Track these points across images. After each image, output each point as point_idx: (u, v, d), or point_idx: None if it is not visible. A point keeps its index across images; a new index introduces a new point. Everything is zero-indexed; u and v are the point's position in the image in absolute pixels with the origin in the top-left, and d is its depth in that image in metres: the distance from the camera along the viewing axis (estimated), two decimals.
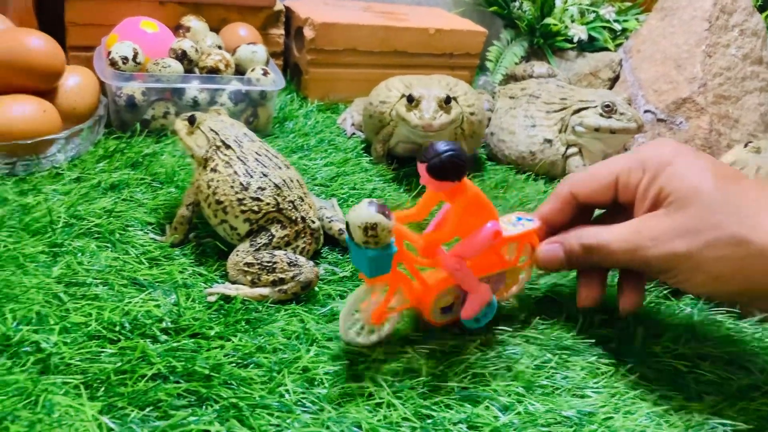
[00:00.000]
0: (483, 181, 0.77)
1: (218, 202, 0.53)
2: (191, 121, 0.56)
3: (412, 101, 0.69)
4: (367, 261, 0.42)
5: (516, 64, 1.02)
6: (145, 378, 0.41)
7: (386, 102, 0.74)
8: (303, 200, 0.55)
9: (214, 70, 0.74)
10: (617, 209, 0.50)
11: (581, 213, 0.51)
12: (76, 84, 0.68)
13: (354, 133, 0.84)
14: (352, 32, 0.90)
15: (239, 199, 0.52)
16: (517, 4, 1.06)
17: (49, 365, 0.41)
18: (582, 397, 0.45)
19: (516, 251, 0.51)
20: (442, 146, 0.40)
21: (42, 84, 0.64)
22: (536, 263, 0.51)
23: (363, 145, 0.81)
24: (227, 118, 0.58)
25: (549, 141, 0.80)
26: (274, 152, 0.57)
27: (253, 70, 0.77)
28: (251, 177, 0.53)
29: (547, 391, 0.45)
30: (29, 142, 0.60)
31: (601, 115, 0.77)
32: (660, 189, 0.45)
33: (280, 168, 0.55)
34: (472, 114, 0.75)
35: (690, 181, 0.44)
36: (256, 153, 0.55)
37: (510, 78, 0.99)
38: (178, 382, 0.41)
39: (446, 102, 0.69)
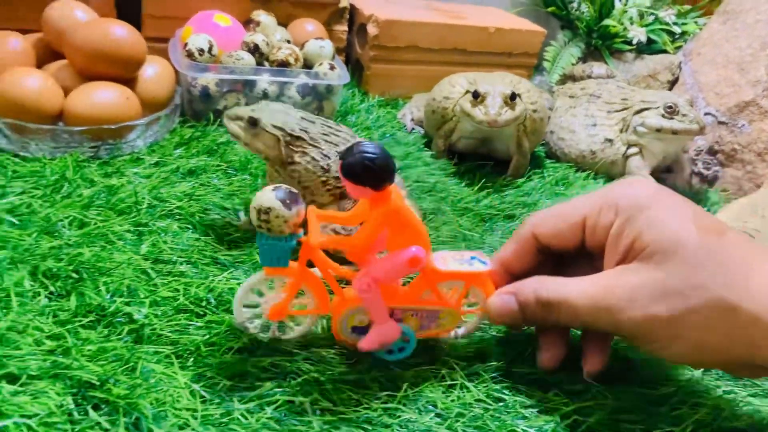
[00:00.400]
0: (543, 178, 0.78)
1: (304, 188, 0.55)
2: (252, 123, 0.53)
3: (477, 97, 0.70)
4: (259, 247, 0.40)
5: (573, 64, 1.02)
6: (232, 350, 0.43)
7: (449, 98, 0.76)
8: None
9: (284, 64, 0.77)
10: (586, 256, 0.44)
11: (547, 258, 0.45)
12: (155, 73, 0.71)
13: (414, 129, 0.86)
14: (414, 29, 0.92)
15: (323, 182, 0.54)
16: (575, 5, 1.07)
17: (142, 335, 0.44)
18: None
19: (460, 293, 0.45)
20: (362, 146, 0.37)
21: (125, 72, 0.67)
22: (487, 315, 0.45)
23: (424, 140, 0.83)
24: (276, 105, 0.56)
25: (610, 140, 0.80)
26: (335, 125, 0.57)
27: (320, 65, 0.79)
28: (329, 159, 0.55)
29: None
30: (113, 127, 0.63)
31: (663, 115, 0.78)
32: (635, 237, 0.39)
33: (347, 140, 0.56)
34: (534, 111, 0.76)
35: (671, 231, 0.38)
36: (322, 134, 0.55)
37: (567, 78, 0.99)
38: (263, 356, 0.43)
39: (511, 98, 0.70)
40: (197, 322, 0.46)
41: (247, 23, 0.84)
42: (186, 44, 0.73)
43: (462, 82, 0.76)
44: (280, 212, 0.38)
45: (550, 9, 1.10)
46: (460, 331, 0.47)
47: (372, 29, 0.91)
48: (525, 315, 0.42)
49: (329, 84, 0.78)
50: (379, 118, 0.87)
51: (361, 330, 0.44)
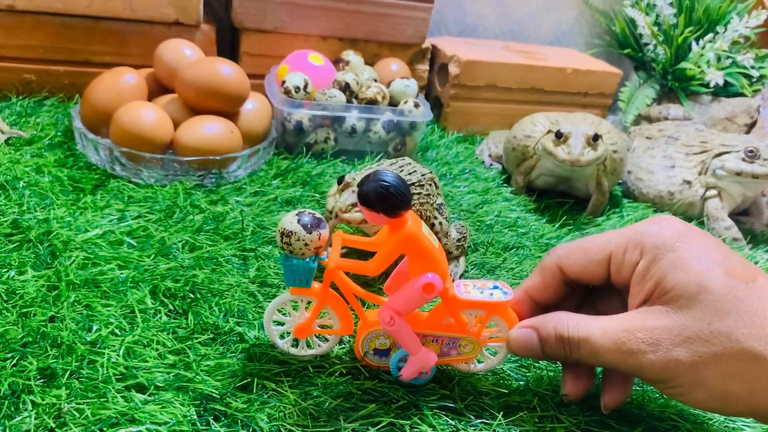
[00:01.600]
0: (622, 217, 0.79)
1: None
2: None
3: (560, 137, 0.73)
4: (283, 267, 0.43)
5: (648, 105, 1.04)
6: (335, 374, 0.46)
7: (531, 136, 0.78)
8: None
9: (372, 101, 0.81)
10: (615, 289, 0.43)
11: (575, 289, 0.45)
12: (254, 108, 0.76)
13: (492, 164, 0.89)
14: (494, 70, 0.95)
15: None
16: (651, 47, 1.08)
17: (254, 354, 0.47)
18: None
19: (482, 322, 0.45)
20: (378, 175, 0.39)
21: (230, 107, 0.72)
22: (508, 347, 0.44)
23: (503, 176, 0.85)
24: (365, 172, 0.57)
25: (688, 182, 0.81)
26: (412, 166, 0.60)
27: (405, 102, 0.82)
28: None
29: (698, 420, 0.47)
30: (218, 158, 0.68)
31: (743, 159, 0.78)
32: (659, 279, 0.38)
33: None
34: (615, 152, 0.77)
35: (696, 275, 0.37)
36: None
37: (641, 118, 1.01)
38: (365, 380, 0.46)
39: (594, 139, 0.72)
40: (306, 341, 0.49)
41: (337, 62, 0.88)
42: (284, 82, 0.78)
43: (543, 122, 0.79)
44: (301, 236, 0.41)
45: (626, 51, 1.12)
46: (480, 366, 0.47)
47: (453, 69, 0.94)
48: (545, 350, 0.42)
49: (413, 121, 0.82)
50: (458, 154, 0.90)
51: (383, 352, 0.46)
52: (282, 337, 0.47)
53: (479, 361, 0.48)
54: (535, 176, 0.80)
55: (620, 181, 0.88)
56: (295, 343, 0.47)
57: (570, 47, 1.20)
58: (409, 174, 0.59)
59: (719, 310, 0.36)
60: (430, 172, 0.62)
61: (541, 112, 0.83)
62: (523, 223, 0.73)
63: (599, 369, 0.46)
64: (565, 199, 0.80)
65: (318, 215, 0.42)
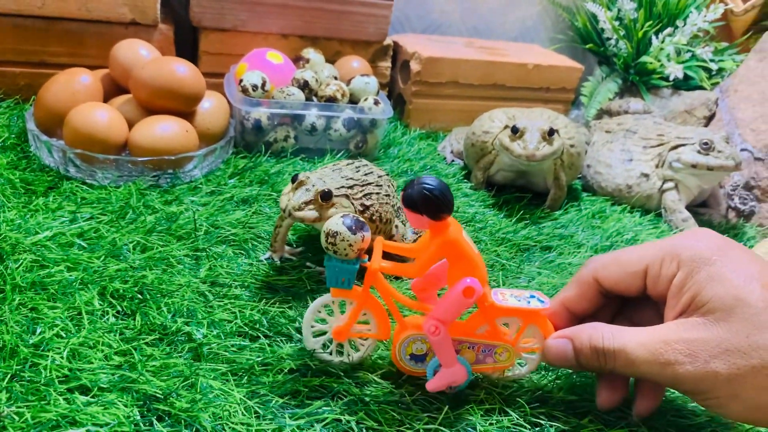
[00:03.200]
0: (580, 210, 0.80)
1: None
2: (325, 197, 0.54)
3: (516, 132, 0.73)
4: (326, 268, 0.44)
5: (610, 99, 1.05)
6: (284, 371, 0.46)
7: (489, 132, 0.79)
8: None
9: (331, 99, 0.81)
10: (651, 300, 0.44)
11: (611, 300, 0.46)
12: (211, 107, 0.75)
13: (453, 161, 0.89)
14: (456, 66, 0.95)
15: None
16: (612, 42, 1.09)
17: (201, 354, 0.47)
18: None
19: (518, 331, 0.46)
20: (422, 179, 0.40)
21: (185, 107, 0.71)
22: (543, 356, 0.45)
23: (463, 172, 0.86)
24: (317, 173, 0.58)
25: (646, 175, 0.82)
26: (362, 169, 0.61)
27: (365, 100, 0.83)
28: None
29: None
30: (173, 158, 0.68)
31: (698, 152, 0.79)
32: (696, 292, 0.39)
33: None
34: (572, 146, 0.78)
35: (734, 288, 0.38)
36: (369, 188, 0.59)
37: (604, 113, 1.02)
38: (312, 377, 0.46)
39: (549, 134, 0.73)
40: (251, 343, 0.49)
41: (297, 60, 0.88)
42: (241, 80, 0.78)
43: (501, 117, 0.79)
44: (346, 236, 0.42)
45: (588, 46, 1.13)
46: (509, 374, 0.48)
47: (415, 66, 0.95)
48: (579, 360, 0.43)
49: (374, 118, 0.82)
50: (420, 151, 0.90)
51: (419, 358, 0.46)
52: (324, 346, 0.47)
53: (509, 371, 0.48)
54: (494, 171, 0.80)
55: (580, 175, 0.89)
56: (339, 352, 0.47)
57: (534, 43, 1.21)
58: (365, 174, 0.60)
59: (757, 324, 0.37)
60: (387, 174, 0.62)
61: (504, 107, 0.84)
62: (480, 218, 0.73)
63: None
64: (524, 194, 0.80)
65: (361, 219, 0.43)
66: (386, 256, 0.46)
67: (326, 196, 0.54)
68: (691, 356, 0.38)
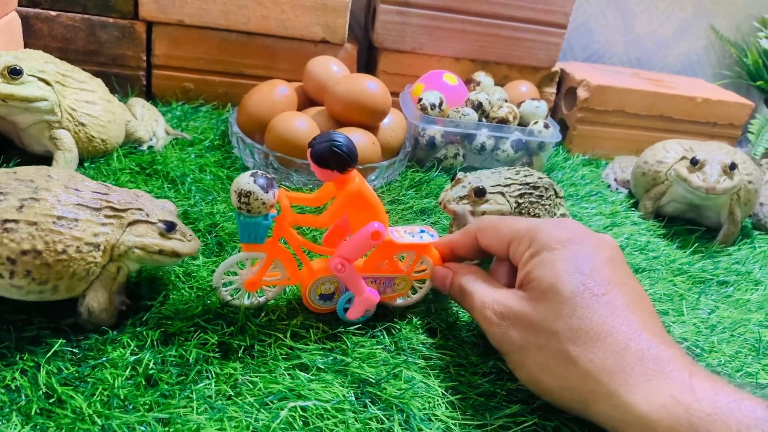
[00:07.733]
0: (754, 248, 0.78)
1: None
2: (479, 193, 0.60)
3: (695, 164, 0.73)
4: (239, 225, 0.45)
5: None
6: (480, 373, 0.49)
7: (663, 162, 0.79)
8: None
9: (503, 121, 0.84)
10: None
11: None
12: (391, 122, 0.80)
13: (618, 189, 0.89)
14: (624, 95, 0.96)
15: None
16: None
17: (402, 347, 0.50)
18: None
19: (412, 262, 0.52)
20: (330, 135, 0.43)
21: (372, 120, 0.76)
22: (431, 278, 0.53)
23: (630, 201, 0.85)
24: (473, 177, 0.63)
25: None
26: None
27: (535, 123, 0.85)
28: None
29: None
30: (361, 167, 0.72)
31: None
32: (530, 270, 0.44)
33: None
34: (750, 182, 0.76)
35: (554, 275, 0.42)
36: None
37: None
38: (508, 381, 0.48)
39: (731, 168, 0.72)
40: (447, 342, 0.52)
41: (468, 82, 0.92)
42: (420, 99, 0.82)
43: (677, 148, 0.79)
44: (258, 195, 0.44)
45: (758, 83, 1.10)
46: (408, 300, 0.54)
47: (582, 92, 0.96)
48: (452, 292, 0.51)
49: (542, 141, 0.84)
50: (584, 176, 0.91)
51: (328, 297, 0.51)
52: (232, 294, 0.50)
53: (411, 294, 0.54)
54: (664, 202, 0.80)
55: (751, 213, 0.86)
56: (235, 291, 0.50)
57: (697, 77, 1.18)
58: (525, 176, 0.64)
59: (557, 311, 0.41)
60: (549, 179, 0.65)
61: (671, 139, 0.83)
62: (653, 247, 0.73)
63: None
64: (695, 227, 0.79)
65: (269, 176, 0.45)
66: None
67: (480, 193, 0.60)
68: (501, 319, 0.44)
